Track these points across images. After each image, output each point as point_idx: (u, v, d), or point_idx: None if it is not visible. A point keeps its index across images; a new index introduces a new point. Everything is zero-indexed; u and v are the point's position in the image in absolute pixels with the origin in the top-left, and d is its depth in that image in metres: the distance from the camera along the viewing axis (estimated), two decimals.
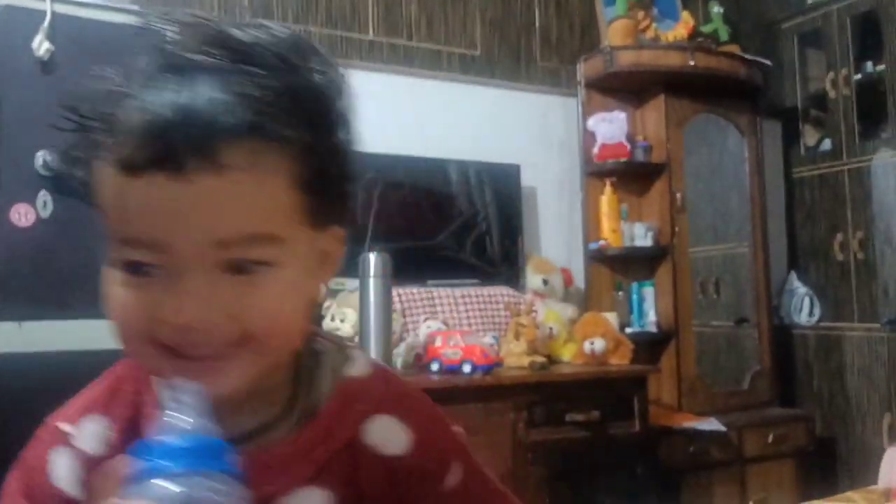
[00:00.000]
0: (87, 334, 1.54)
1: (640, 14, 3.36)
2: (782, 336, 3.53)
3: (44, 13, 1.90)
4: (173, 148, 0.45)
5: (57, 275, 1.91)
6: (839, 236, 3.50)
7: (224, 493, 0.44)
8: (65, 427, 0.56)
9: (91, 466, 0.53)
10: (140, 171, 0.45)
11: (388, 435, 0.56)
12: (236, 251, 0.48)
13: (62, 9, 1.94)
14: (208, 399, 0.46)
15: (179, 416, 0.45)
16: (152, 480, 0.43)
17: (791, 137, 3.80)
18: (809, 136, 3.78)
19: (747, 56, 3.34)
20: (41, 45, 1.88)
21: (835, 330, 3.48)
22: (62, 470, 0.55)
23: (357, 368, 0.59)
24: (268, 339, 0.50)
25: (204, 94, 0.46)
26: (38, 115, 1.70)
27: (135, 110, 0.46)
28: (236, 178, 0.46)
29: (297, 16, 2.78)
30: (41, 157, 1.89)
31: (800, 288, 3.61)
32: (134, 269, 0.48)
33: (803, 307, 3.58)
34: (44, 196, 1.92)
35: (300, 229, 0.51)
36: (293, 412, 0.56)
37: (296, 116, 0.48)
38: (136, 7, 2.04)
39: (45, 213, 1.92)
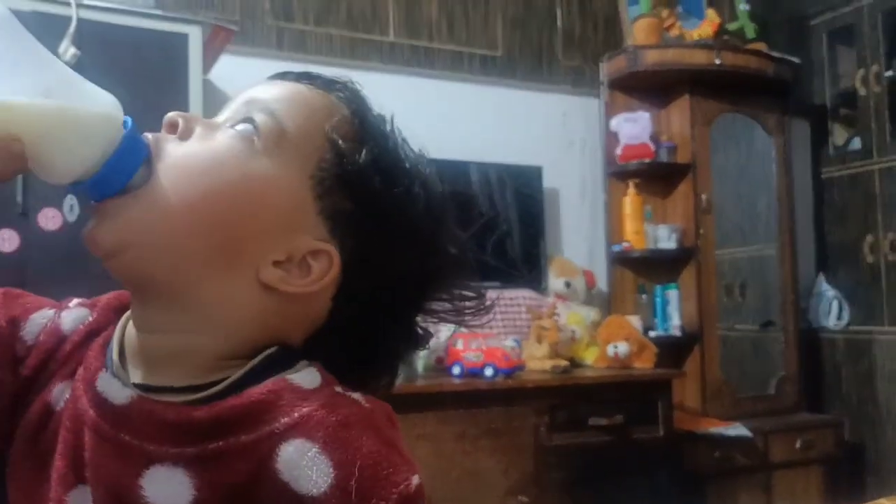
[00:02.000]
0: None
1: (665, 12, 3.32)
2: (810, 340, 3.47)
3: (69, 19, 1.92)
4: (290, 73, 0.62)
5: (82, 278, 1.93)
6: (869, 238, 3.43)
7: None
8: (71, 302, 0.62)
9: (52, 332, 0.59)
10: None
11: (303, 467, 0.47)
12: (253, 113, 0.55)
13: (87, 14, 1.96)
14: None
15: None
16: None
17: (820, 136, 3.73)
18: (839, 135, 3.70)
19: (775, 54, 3.28)
20: (67, 51, 1.90)
21: (864, 334, 3.41)
22: (39, 315, 0.60)
23: (303, 376, 0.52)
24: (172, 178, 0.52)
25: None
26: None
27: None
28: (302, 86, 0.58)
29: (318, 17, 2.78)
30: None
31: (828, 291, 3.55)
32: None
33: (832, 310, 3.51)
34: (70, 200, 1.94)
35: (301, 166, 0.55)
36: (213, 387, 0.52)
37: (368, 109, 0.59)
38: (158, 11, 2.05)
39: (72, 217, 1.94)
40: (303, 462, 0.48)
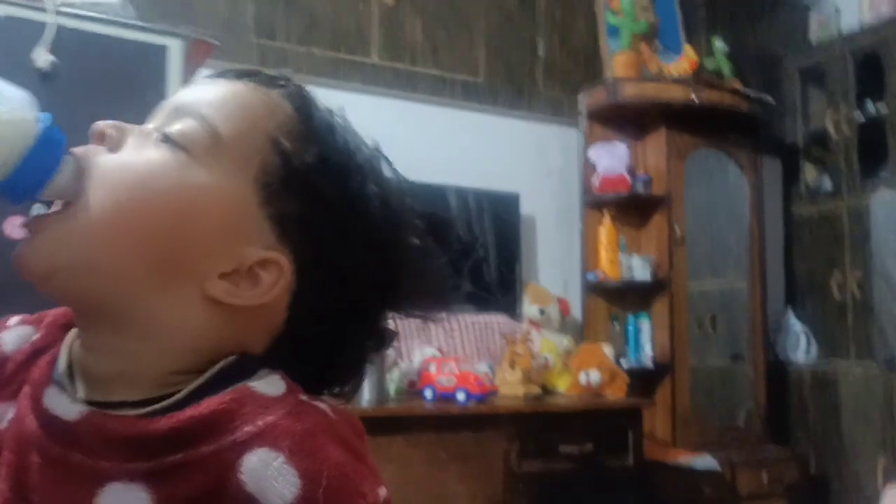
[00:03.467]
0: None
1: (644, 47, 3.38)
2: (778, 373, 3.51)
3: (44, 25, 1.90)
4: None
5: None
6: (837, 275, 3.49)
7: None
8: (11, 320, 0.60)
9: None
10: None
11: (268, 477, 0.45)
12: (181, 118, 0.53)
13: (66, 21, 1.94)
14: None
15: None
16: None
17: (791, 174, 3.80)
18: (809, 174, 3.78)
19: (749, 92, 3.35)
20: (42, 56, 1.87)
21: (831, 368, 3.46)
22: None
23: (266, 383, 0.49)
24: (101, 194, 0.49)
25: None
26: None
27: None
28: (239, 85, 0.55)
29: (302, 36, 2.79)
30: None
31: (796, 325, 3.59)
32: None
33: (799, 344, 3.56)
34: (39, 208, 1.90)
35: (240, 169, 0.51)
36: (169, 398, 0.49)
37: (314, 106, 0.56)
38: (139, 22, 2.04)
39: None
40: (268, 472, 0.45)
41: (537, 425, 2.42)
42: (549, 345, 2.79)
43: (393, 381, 2.41)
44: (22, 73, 1.88)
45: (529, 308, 2.95)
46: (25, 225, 0.50)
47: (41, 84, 1.87)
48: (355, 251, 0.53)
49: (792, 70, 3.82)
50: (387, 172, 0.56)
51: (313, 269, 0.52)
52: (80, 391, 0.51)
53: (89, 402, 0.50)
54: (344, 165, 0.53)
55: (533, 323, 2.91)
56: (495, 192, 3.01)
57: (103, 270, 0.49)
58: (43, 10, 1.88)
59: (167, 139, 0.51)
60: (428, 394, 2.38)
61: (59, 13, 1.88)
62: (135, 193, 0.49)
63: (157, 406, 0.48)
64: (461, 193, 2.94)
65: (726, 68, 3.52)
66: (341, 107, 0.57)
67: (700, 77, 3.30)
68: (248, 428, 0.46)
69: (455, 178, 2.93)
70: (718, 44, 3.57)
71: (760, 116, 3.38)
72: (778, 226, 3.73)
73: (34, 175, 0.48)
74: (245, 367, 0.51)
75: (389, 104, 2.93)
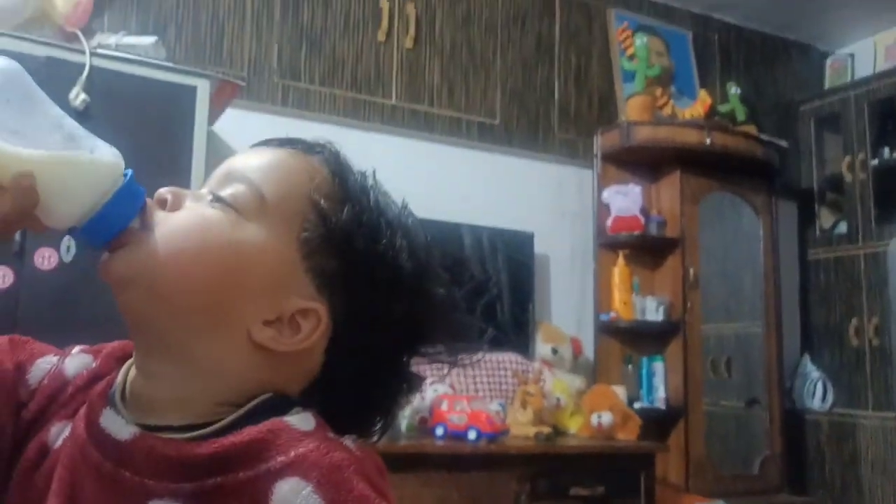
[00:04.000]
0: None
1: (658, 91, 3.44)
2: (794, 420, 3.47)
3: (83, 66, 1.98)
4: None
5: (77, 318, 1.93)
6: (854, 321, 3.46)
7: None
8: (74, 349, 0.65)
9: (55, 377, 0.62)
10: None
11: None
12: (231, 183, 0.59)
13: (100, 62, 2.02)
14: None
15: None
16: None
17: (807, 219, 3.81)
18: (825, 219, 3.79)
19: (764, 136, 3.39)
20: (78, 96, 1.95)
21: (848, 417, 3.42)
22: (43, 362, 0.63)
23: (299, 419, 0.54)
24: (164, 242, 0.55)
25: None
26: None
27: None
28: (282, 153, 0.61)
29: (324, 78, 2.87)
30: None
31: (813, 372, 3.56)
32: None
33: (816, 392, 3.53)
34: (67, 241, 1.96)
35: (286, 229, 0.57)
36: (212, 426, 0.54)
37: (349, 171, 0.61)
38: (169, 63, 2.12)
39: (68, 258, 1.96)
40: (297, 500, 0.49)
41: (548, 466, 2.41)
42: (561, 385, 2.79)
43: (404, 417, 2.42)
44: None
45: (542, 347, 2.96)
46: (109, 242, 0.56)
47: (76, 122, 1.95)
48: (386, 300, 0.58)
49: (807, 115, 3.85)
50: (415, 227, 0.61)
51: (348, 318, 0.57)
52: (132, 414, 0.56)
53: (139, 425, 0.55)
54: (376, 222, 0.59)
55: (545, 362, 2.92)
56: (510, 230, 3.05)
57: (165, 299, 0.55)
58: (81, 52, 1.96)
59: (219, 200, 0.57)
60: (439, 431, 2.39)
61: (94, 55, 1.97)
62: (193, 243, 0.55)
63: (201, 432, 0.53)
64: (476, 232, 2.98)
65: (740, 113, 3.56)
66: (373, 169, 0.63)
67: (714, 121, 3.34)
68: (282, 458, 0.51)
69: (471, 217, 2.98)
70: (733, 89, 3.62)
71: (775, 161, 3.40)
72: (793, 270, 3.73)
73: (114, 221, 0.54)
74: (281, 403, 0.56)
75: (408, 144, 2.99)
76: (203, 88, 2.09)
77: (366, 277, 0.57)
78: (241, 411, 0.54)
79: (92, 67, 1.96)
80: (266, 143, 0.62)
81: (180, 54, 2.58)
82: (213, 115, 2.25)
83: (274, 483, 0.50)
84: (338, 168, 0.61)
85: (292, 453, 0.51)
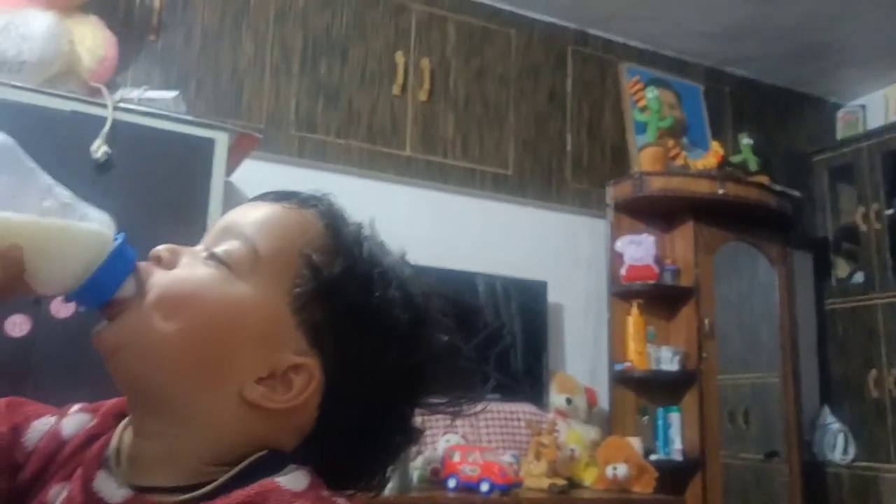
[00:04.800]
0: None
1: (671, 142, 3.47)
2: (815, 473, 3.40)
3: (105, 119, 2.04)
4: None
5: (92, 366, 1.95)
6: (874, 372, 3.42)
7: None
8: (72, 408, 0.66)
9: (52, 438, 0.63)
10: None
11: None
12: (226, 239, 0.59)
13: (122, 116, 2.08)
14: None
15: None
16: None
17: (822, 269, 3.79)
18: (841, 269, 3.77)
19: (777, 187, 3.40)
20: (100, 149, 2.00)
21: (870, 470, 3.34)
22: (39, 423, 0.64)
23: (290, 479, 0.54)
24: (157, 304, 0.55)
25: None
26: None
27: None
28: (278, 209, 0.61)
29: (340, 130, 2.93)
30: None
31: (833, 424, 3.50)
32: None
33: (837, 444, 3.46)
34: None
35: (277, 283, 0.57)
36: (200, 489, 0.54)
37: (343, 221, 0.62)
38: (189, 117, 2.18)
39: (83, 307, 1.99)
40: None
41: None
42: (575, 436, 2.76)
43: (416, 468, 2.41)
44: (81, 163, 2.01)
45: (556, 397, 2.94)
46: (102, 312, 0.57)
47: (97, 173, 2.00)
48: (379, 352, 0.58)
49: (820, 166, 3.87)
50: (411, 277, 0.61)
51: (341, 371, 0.57)
52: (126, 474, 0.57)
53: (131, 486, 0.56)
54: (368, 274, 0.58)
55: (560, 413, 2.90)
56: (523, 280, 3.06)
57: (156, 360, 0.55)
58: (104, 105, 2.02)
59: (213, 257, 0.58)
60: (451, 483, 2.36)
61: (117, 108, 2.03)
62: (185, 302, 0.56)
63: (192, 494, 0.53)
64: (489, 281, 2.99)
65: (753, 163, 3.58)
66: (371, 220, 0.64)
67: (726, 171, 3.36)
68: None
69: (484, 266, 3.00)
70: (745, 139, 3.65)
71: (789, 210, 3.41)
72: (810, 320, 3.70)
73: (105, 287, 0.56)
74: (274, 461, 0.55)
75: (423, 194, 3.03)
76: (221, 141, 2.14)
77: (357, 329, 0.57)
78: (233, 472, 0.54)
79: (114, 121, 2.02)
80: (263, 196, 0.63)
81: (200, 108, 2.66)
82: (231, 167, 2.30)
83: None
84: (332, 220, 0.61)
85: None
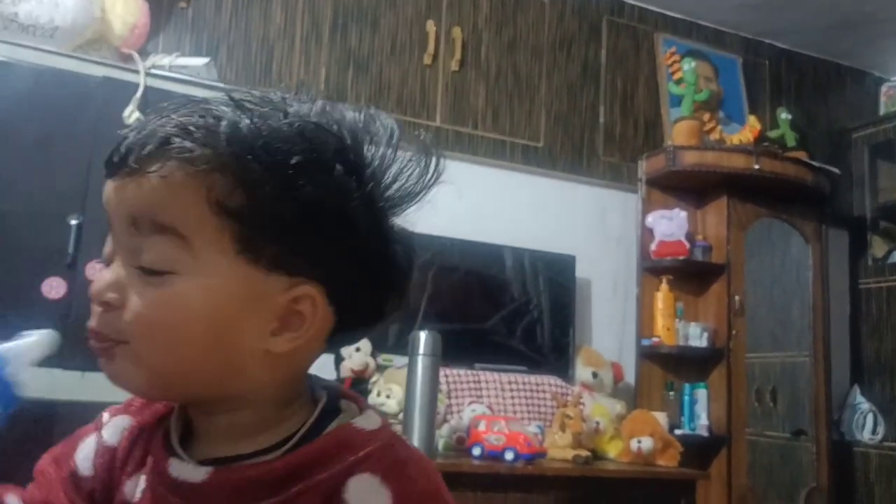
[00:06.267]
0: None
1: (706, 116, 3.41)
2: (842, 452, 3.37)
3: (137, 86, 2.06)
4: (112, 155, 0.55)
5: None
6: None
7: None
8: (104, 416, 0.66)
9: (103, 453, 0.64)
10: (105, 174, 0.57)
11: (366, 496, 0.53)
12: (145, 242, 0.53)
13: (154, 82, 2.10)
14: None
15: (17, 344, 0.54)
16: None
17: (858, 247, 3.72)
18: (878, 248, 3.69)
19: (814, 163, 3.33)
20: (132, 115, 2.02)
21: None
22: (83, 450, 0.65)
23: (365, 419, 0.58)
24: (140, 340, 0.53)
25: (159, 118, 0.55)
26: None
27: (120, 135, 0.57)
28: (148, 179, 0.53)
29: (370, 99, 2.92)
30: None
31: (863, 404, 3.46)
32: (106, 265, 0.57)
33: (866, 424, 3.42)
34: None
35: (221, 251, 0.53)
36: (285, 445, 0.56)
37: (223, 143, 0.52)
38: (220, 84, 2.19)
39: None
40: (367, 491, 0.54)
41: (586, 490, 2.38)
42: (600, 409, 2.76)
43: (442, 436, 2.43)
44: (113, 130, 2.03)
45: (582, 371, 2.94)
46: (95, 347, 0.56)
47: None
48: (345, 221, 0.55)
49: (861, 143, 3.78)
50: (333, 141, 0.56)
51: (328, 267, 0.56)
52: (197, 452, 0.59)
53: (208, 462, 0.57)
54: (284, 177, 0.53)
55: (585, 386, 2.90)
56: (552, 253, 3.04)
57: (180, 385, 0.56)
58: (136, 72, 2.04)
59: (153, 273, 0.54)
60: (476, 451, 2.38)
61: (148, 75, 2.05)
62: (165, 333, 0.54)
63: (277, 453, 0.56)
64: (517, 254, 2.98)
65: (790, 139, 3.51)
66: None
67: (762, 146, 3.30)
68: (352, 457, 0.55)
69: (513, 239, 2.99)
70: (783, 114, 3.57)
71: (826, 187, 3.34)
72: (844, 299, 3.64)
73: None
74: (335, 401, 0.60)
75: (452, 166, 2.99)
76: None
77: (311, 227, 0.54)
78: (307, 426, 0.57)
79: (146, 87, 2.04)
80: (127, 167, 0.54)
81: (231, 75, 2.67)
82: None
83: (347, 478, 0.54)
84: (223, 156, 0.53)
85: (361, 452, 0.55)
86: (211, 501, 0.56)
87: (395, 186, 0.60)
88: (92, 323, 0.56)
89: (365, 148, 0.58)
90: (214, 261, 0.53)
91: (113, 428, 0.65)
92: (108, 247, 0.57)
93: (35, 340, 0.55)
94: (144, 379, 0.55)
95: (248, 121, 0.54)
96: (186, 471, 0.57)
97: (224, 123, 0.53)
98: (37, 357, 0.55)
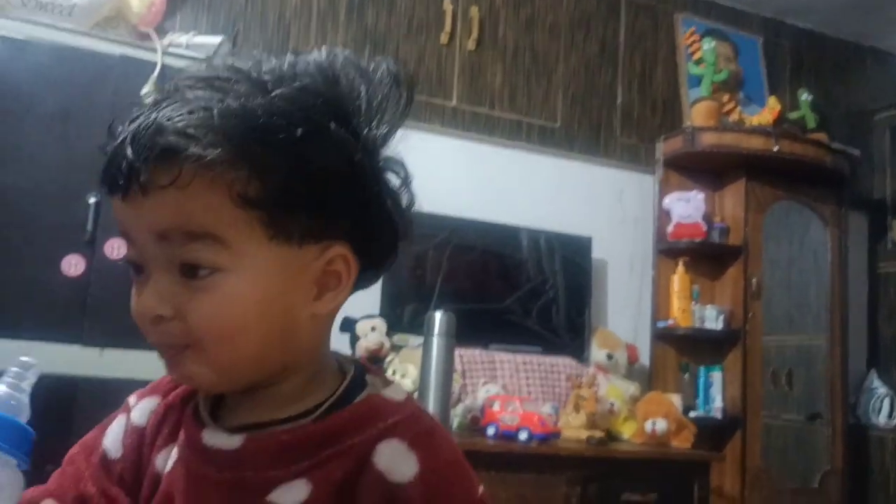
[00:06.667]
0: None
1: (726, 97, 3.38)
2: (858, 436, 3.36)
3: (155, 64, 2.07)
4: (115, 176, 0.53)
5: None
6: None
7: None
8: (132, 400, 0.68)
9: (131, 433, 0.65)
10: (108, 193, 0.55)
11: (395, 460, 0.56)
12: (181, 249, 0.53)
13: (171, 61, 2.10)
14: None
15: (9, 392, 0.52)
16: None
17: (878, 231, 3.68)
18: None
19: (834, 145, 3.29)
20: (149, 95, 2.03)
21: None
22: (111, 433, 0.66)
23: (392, 391, 0.61)
24: (210, 343, 0.55)
25: (147, 125, 0.52)
26: None
27: (112, 141, 0.55)
28: (165, 195, 0.52)
29: None
30: None
31: (880, 388, 3.44)
32: (135, 270, 0.57)
33: (882, 408, 3.40)
34: None
35: (257, 242, 0.54)
36: (317, 411, 0.59)
37: (226, 138, 0.51)
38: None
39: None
40: (395, 456, 0.56)
41: (600, 471, 2.39)
42: (615, 391, 2.76)
43: (456, 415, 2.44)
44: (132, 109, 2.04)
45: (597, 353, 2.94)
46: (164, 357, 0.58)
47: None
48: (359, 176, 0.57)
49: (882, 125, 3.72)
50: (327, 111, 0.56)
51: (353, 227, 0.58)
52: (229, 420, 0.60)
53: (240, 429, 0.59)
54: (297, 153, 0.54)
55: (600, 368, 2.90)
56: (568, 235, 3.04)
57: (246, 372, 0.58)
58: (153, 50, 2.04)
59: (195, 276, 0.54)
60: (490, 431, 2.40)
61: (166, 53, 2.05)
62: (226, 332, 0.55)
63: (310, 418, 0.58)
64: (533, 235, 2.98)
65: (811, 120, 3.47)
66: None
67: (782, 128, 3.26)
68: (382, 424, 0.57)
69: (529, 220, 2.98)
70: (804, 95, 3.53)
71: (846, 170, 3.30)
72: (862, 283, 3.60)
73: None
74: (362, 372, 0.62)
75: (468, 146, 3.01)
76: None
77: (334, 189, 0.56)
78: (338, 393, 0.59)
79: (164, 65, 2.04)
80: (124, 188, 0.53)
81: (247, 53, 2.66)
82: None
83: (376, 444, 0.56)
84: (232, 145, 0.52)
85: (390, 420, 0.57)
86: (245, 467, 0.57)
87: (378, 123, 0.60)
88: (152, 339, 0.56)
89: (345, 94, 0.58)
90: (252, 251, 0.54)
91: (141, 410, 0.66)
92: (128, 251, 0.56)
93: (22, 369, 0.55)
94: (214, 376, 0.57)
95: (235, 104, 0.53)
96: (220, 439, 0.58)
97: (216, 115, 0.52)
98: (31, 383, 0.55)
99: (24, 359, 0.55)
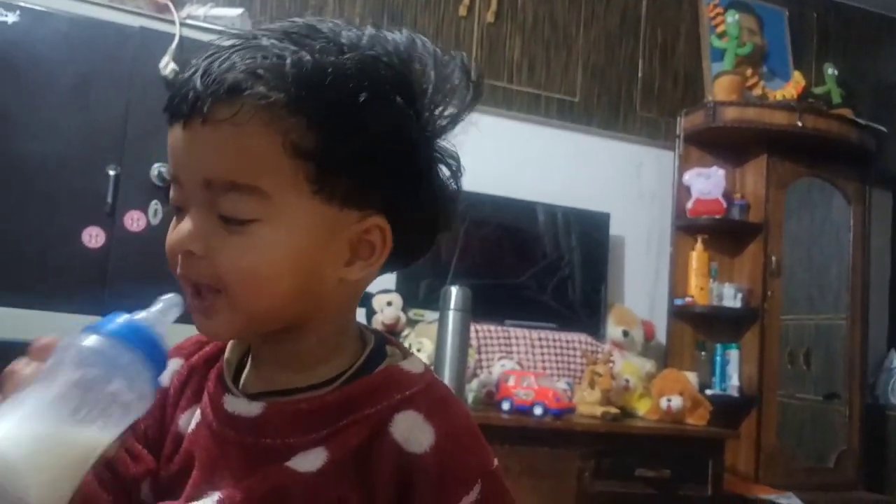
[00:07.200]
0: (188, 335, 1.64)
1: (749, 71, 3.32)
2: (875, 416, 3.33)
3: (173, 36, 2.06)
4: (180, 104, 0.55)
5: (162, 278, 2.03)
6: None
7: (132, 372, 0.50)
8: None
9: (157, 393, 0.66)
10: (170, 121, 0.56)
11: (412, 430, 0.57)
12: (222, 197, 0.54)
13: (189, 33, 2.09)
14: (176, 312, 0.55)
15: (153, 311, 0.54)
16: (90, 332, 0.50)
17: None
18: None
19: (860, 120, 3.22)
20: (167, 66, 2.03)
21: None
22: None
23: (410, 363, 0.62)
24: (235, 286, 0.55)
25: (221, 61, 0.54)
26: (157, 130, 1.85)
27: (182, 75, 0.56)
28: (222, 130, 0.53)
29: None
30: (157, 168, 2.03)
31: None
32: (177, 211, 0.58)
33: None
34: (155, 205, 2.06)
35: (298, 194, 0.55)
36: (338, 380, 0.60)
37: (293, 85, 0.53)
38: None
39: (155, 221, 2.06)
40: (412, 426, 0.57)
41: (614, 446, 2.40)
42: (630, 367, 2.76)
43: (472, 390, 2.46)
44: (149, 80, 2.04)
45: (613, 329, 2.93)
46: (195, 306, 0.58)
47: (166, 90, 2.03)
48: (407, 150, 0.58)
49: None
50: (370, 56, 0.57)
51: (396, 203, 0.59)
52: (251, 386, 0.62)
53: (260, 396, 0.61)
54: (350, 116, 0.55)
55: (616, 344, 2.89)
56: (585, 210, 3.02)
57: (270, 320, 0.59)
58: (172, 22, 2.04)
59: (235, 221, 0.55)
60: (505, 406, 2.41)
61: (184, 25, 2.04)
62: (258, 278, 0.56)
63: (331, 387, 0.60)
64: (550, 210, 2.96)
65: (836, 95, 3.40)
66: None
67: (806, 103, 3.20)
68: (399, 395, 0.59)
69: (546, 196, 2.96)
70: (830, 69, 3.46)
71: (872, 146, 3.24)
72: (885, 262, 3.56)
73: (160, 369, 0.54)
74: (382, 344, 0.64)
75: (486, 120, 2.98)
76: None
77: (378, 163, 0.56)
78: (357, 365, 0.61)
79: (182, 37, 2.03)
80: (186, 115, 0.54)
81: (265, 24, 2.65)
82: None
83: (394, 414, 0.58)
84: (288, 96, 0.53)
85: (408, 391, 0.59)
86: (265, 433, 0.59)
87: (442, 111, 0.62)
88: (179, 272, 0.57)
89: (415, 75, 0.60)
90: (293, 203, 0.55)
91: (166, 371, 0.67)
92: (174, 194, 0.58)
93: (167, 304, 0.55)
94: (241, 323, 0.57)
95: (308, 57, 0.54)
96: (241, 406, 0.60)
97: (289, 63, 0.53)
98: (172, 320, 0.55)
99: (169, 295, 0.56)
